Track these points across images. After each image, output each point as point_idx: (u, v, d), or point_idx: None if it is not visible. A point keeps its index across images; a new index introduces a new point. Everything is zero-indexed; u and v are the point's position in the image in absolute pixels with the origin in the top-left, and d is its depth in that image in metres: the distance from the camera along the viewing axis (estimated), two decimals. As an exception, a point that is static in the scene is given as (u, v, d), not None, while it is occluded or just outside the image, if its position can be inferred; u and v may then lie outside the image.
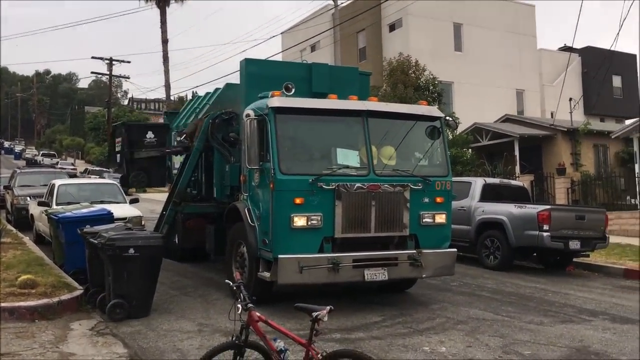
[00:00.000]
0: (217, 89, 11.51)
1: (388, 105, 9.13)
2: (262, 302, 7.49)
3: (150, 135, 9.30)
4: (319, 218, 7.63)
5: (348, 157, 8.11)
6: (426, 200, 8.25)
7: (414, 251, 8.10)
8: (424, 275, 8.46)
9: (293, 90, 8.19)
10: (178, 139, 11.35)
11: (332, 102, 8.25)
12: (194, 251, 11.42)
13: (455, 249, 8.77)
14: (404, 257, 8.05)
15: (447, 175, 8.59)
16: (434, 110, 9.03)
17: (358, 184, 7.80)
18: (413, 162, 8.53)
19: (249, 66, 9.16)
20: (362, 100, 8.60)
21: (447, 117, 9.05)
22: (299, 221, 7.55)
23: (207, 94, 11.96)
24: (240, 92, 9.28)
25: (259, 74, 9.08)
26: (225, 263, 9.13)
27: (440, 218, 8.37)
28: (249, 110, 8.09)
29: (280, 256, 7.48)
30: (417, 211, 8.16)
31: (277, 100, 7.86)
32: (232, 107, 9.73)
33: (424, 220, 8.22)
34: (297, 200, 7.54)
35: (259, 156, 7.81)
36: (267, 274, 7.76)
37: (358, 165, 8.07)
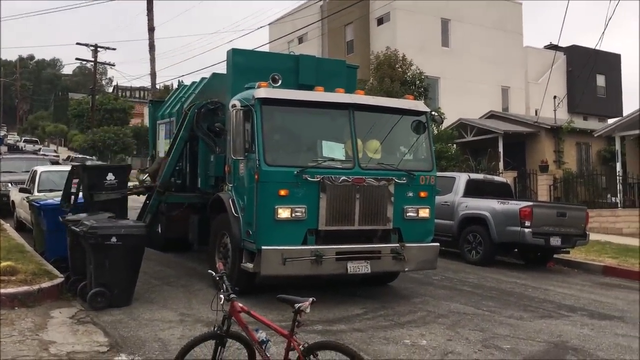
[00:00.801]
0: (203, 79, 11.43)
1: (374, 99, 9.13)
2: (245, 293, 7.51)
3: (110, 177, 9.11)
4: (303, 210, 7.63)
5: (333, 150, 8.11)
6: (410, 194, 8.28)
7: (397, 245, 8.14)
8: (406, 269, 8.51)
9: (280, 82, 8.18)
10: (141, 177, 11.30)
11: (318, 95, 8.24)
12: (177, 241, 11.36)
13: (438, 244, 8.81)
14: (387, 250, 8.09)
15: (431, 170, 8.63)
16: (419, 105, 9.05)
17: (343, 177, 7.81)
18: (398, 156, 8.56)
19: (236, 56, 9.11)
20: (349, 94, 8.60)
21: (433, 112, 9.10)
22: (283, 213, 7.55)
23: (193, 83, 11.87)
24: (226, 82, 9.23)
25: (245, 65, 9.04)
26: (209, 253, 9.10)
27: (424, 212, 8.42)
28: (235, 101, 8.04)
29: (263, 247, 7.48)
30: (401, 205, 8.19)
31: (263, 92, 7.83)
32: (218, 97, 9.68)
33: (407, 214, 8.26)
34: (282, 192, 7.54)
35: (244, 147, 7.77)
36: (250, 265, 7.75)
37: (343, 158, 8.07)
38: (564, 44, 37.37)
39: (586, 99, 37.76)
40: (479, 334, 6.90)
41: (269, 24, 42.01)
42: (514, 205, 12.18)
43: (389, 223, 8.15)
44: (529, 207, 11.93)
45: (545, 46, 42.29)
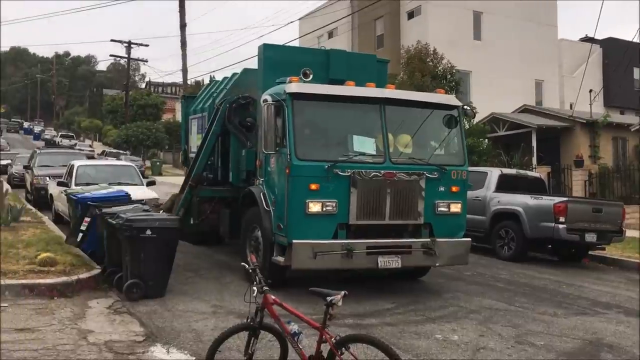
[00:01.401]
0: (234, 74, 11.52)
1: (405, 93, 9.09)
2: (276, 286, 7.58)
3: None
4: (334, 204, 7.66)
5: (364, 145, 8.11)
6: (442, 189, 8.23)
7: (428, 240, 8.10)
8: (437, 264, 8.48)
9: (311, 76, 8.18)
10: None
11: (349, 89, 8.24)
12: (209, 234, 11.51)
13: (470, 239, 8.76)
14: (418, 245, 8.06)
15: (463, 165, 8.56)
16: (451, 99, 8.98)
17: (374, 172, 7.81)
18: (429, 151, 8.51)
19: (267, 51, 9.16)
20: (380, 88, 8.57)
21: (465, 106, 8.99)
22: (314, 207, 7.59)
23: (225, 78, 11.98)
24: (257, 77, 9.30)
25: (276, 60, 9.07)
26: (240, 247, 9.21)
27: (456, 207, 8.36)
28: (266, 96, 8.11)
29: (294, 241, 7.53)
30: (432, 200, 8.15)
31: (295, 86, 7.87)
32: (249, 92, 9.75)
33: (439, 209, 8.21)
34: (313, 186, 7.57)
35: (276, 141, 7.83)
36: (281, 259, 7.82)
37: (374, 153, 8.07)
38: (600, 36, 36.45)
39: (623, 93, 36.81)
40: (512, 330, 6.84)
41: (299, 19, 42.06)
42: (548, 200, 11.99)
43: (420, 218, 8.12)
44: (563, 202, 11.73)
45: (580, 39, 41.35)
